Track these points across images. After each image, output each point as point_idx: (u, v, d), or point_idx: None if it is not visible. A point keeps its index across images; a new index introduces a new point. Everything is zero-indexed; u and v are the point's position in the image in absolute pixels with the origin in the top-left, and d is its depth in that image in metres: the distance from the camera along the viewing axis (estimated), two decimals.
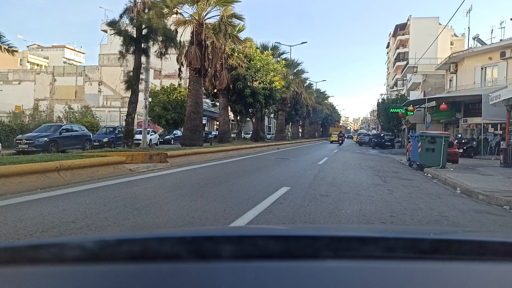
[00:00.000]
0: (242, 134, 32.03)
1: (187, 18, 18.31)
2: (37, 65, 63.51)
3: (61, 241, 0.95)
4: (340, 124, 74.15)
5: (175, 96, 30.28)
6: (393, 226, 4.38)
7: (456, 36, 62.84)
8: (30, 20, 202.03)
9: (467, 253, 0.83)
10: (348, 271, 0.72)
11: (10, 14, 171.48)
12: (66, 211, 4.60)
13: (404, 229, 2.12)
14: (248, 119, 31.58)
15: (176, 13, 17.96)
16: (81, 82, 43.88)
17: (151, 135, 23.85)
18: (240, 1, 18.36)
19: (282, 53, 34.03)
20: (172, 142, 28.09)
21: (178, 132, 29.40)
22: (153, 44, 14.62)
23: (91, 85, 43.57)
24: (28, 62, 63.09)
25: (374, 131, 62.06)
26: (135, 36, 14.06)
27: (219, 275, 0.69)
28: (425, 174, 11.88)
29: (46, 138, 17.14)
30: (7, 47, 11.47)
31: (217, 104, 26.58)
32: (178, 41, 16.68)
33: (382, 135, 38.62)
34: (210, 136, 30.41)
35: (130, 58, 14.62)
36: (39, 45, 75.69)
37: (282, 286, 0.65)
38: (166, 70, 41.47)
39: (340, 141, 40.03)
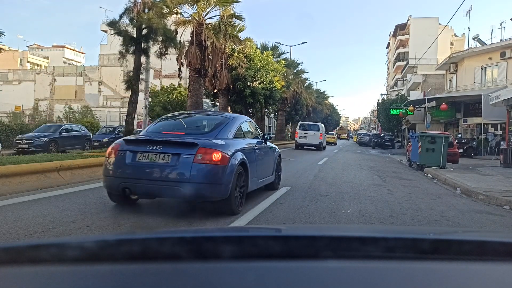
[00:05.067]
0: None
1: (187, 18, 18.30)
2: (37, 65, 63.53)
3: (61, 241, 0.95)
4: (344, 127, 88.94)
5: (175, 96, 30.24)
6: (393, 226, 4.38)
7: (456, 36, 62.83)
8: (32, 20, 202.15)
9: (467, 253, 0.83)
10: (348, 271, 0.72)
11: (13, 15, 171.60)
12: (66, 211, 4.60)
13: (404, 229, 2.12)
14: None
15: (176, 13, 17.96)
16: (81, 82, 43.88)
17: None
18: (240, 1, 18.30)
19: (282, 53, 33.99)
20: None
21: None
22: (153, 44, 14.61)
23: (91, 85, 43.57)
24: (28, 62, 63.12)
25: (374, 131, 62.11)
26: (135, 36, 14.05)
27: (219, 275, 0.69)
28: (425, 174, 11.88)
29: (46, 138, 17.15)
30: None
31: (217, 104, 26.58)
32: (178, 41, 16.67)
33: (382, 135, 38.62)
34: None
35: (130, 58, 14.61)
36: (39, 45, 75.69)
37: (282, 286, 0.65)
38: (166, 70, 41.44)
39: (347, 138, 67.31)
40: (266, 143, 6.54)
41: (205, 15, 18.17)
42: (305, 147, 24.06)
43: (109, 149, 4.89)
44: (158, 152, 4.48)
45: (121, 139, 5.02)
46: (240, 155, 4.96)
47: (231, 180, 4.62)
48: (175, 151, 4.50)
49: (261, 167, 5.95)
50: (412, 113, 30.62)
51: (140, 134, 5.65)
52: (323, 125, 26.94)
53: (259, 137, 6.45)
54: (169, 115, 6.71)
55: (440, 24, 53.02)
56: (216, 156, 4.50)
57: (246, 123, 6.13)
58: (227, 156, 4.63)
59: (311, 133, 23.95)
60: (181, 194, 4.49)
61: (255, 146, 5.85)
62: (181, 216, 4.62)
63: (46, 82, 44.50)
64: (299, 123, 27.25)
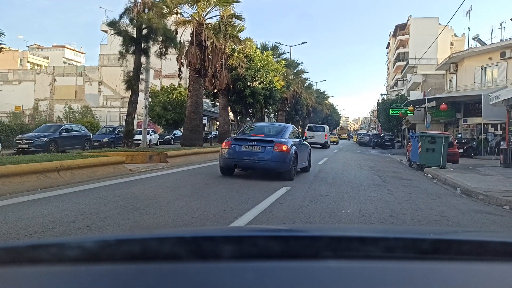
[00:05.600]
0: None
1: (187, 18, 18.30)
2: (37, 65, 63.50)
3: (61, 241, 0.95)
4: (344, 127, 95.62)
5: (175, 96, 30.28)
6: (393, 226, 4.38)
7: (456, 36, 62.82)
8: (32, 20, 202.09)
9: (467, 253, 0.83)
10: (348, 271, 0.72)
11: (13, 15, 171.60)
12: (66, 211, 4.60)
13: (404, 229, 2.12)
14: (248, 119, 31.58)
15: (176, 13, 17.95)
16: (81, 82, 43.89)
17: (151, 135, 23.85)
18: (240, 1, 18.31)
19: (282, 53, 34.00)
20: (172, 142, 28.09)
21: (178, 132, 29.41)
22: (153, 44, 14.62)
23: (91, 85, 43.57)
24: (28, 62, 63.08)
25: (374, 131, 62.09)
26: (135, 36, 14.06)
27: (219, 275, 0.69)
28: (425, 174, 11.87)
29: (46, 138, 17.14)
30: None
31: (217, 104, 26.57)
32: (178, 41, 16.68)
33: (382, 135, 38.62)
34: (210, 136, 30.42)
35: (130, 58, 14.63)
36: (39, 45, 75.66)
37: (282, 286, 0.65)
38: (166, 70, 41.46)
39: (348, 138, 69.58)
40: (304, 141, 10.06)
41: (205, 15, 18.17)
42: (312, 145, 27.03)
43: (224, 143, 8.62)
44: (254, 145, 8.16)
45: (230, 138, 9.41)
46: (294, 148, 8.47)
47: (291, 160, 8.18)
48: (262, 144, 8.12)
49: (302, 156, 9.28)
50: (412, 113, 30.59)
51: (237, 136, 9.47)
52: (327, 127, 31.36)
53: (300, 137, 10.11)
54: (252, 125, 11.41)
55: (440, 24, 53.03)
56: (284, 147, 8.07)
57: (293, 129, 9.77)
58: (289, 147, 8.18)
59: (317, 134, 27.62)
60: (266, 168, 8.19)
61: (299, 143, 9.25)
62: (181, 216, 4.62)
63: (46, 82, 44.50)
64: (308, 125, 31.32)
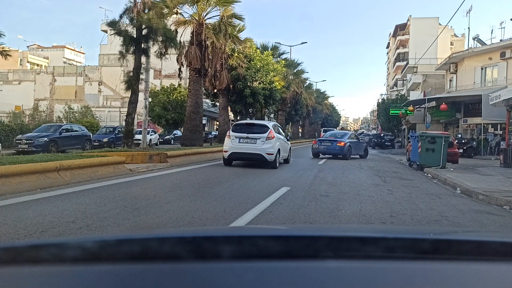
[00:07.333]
0: None
1: (187, 18, 18.30)
2: (37, 65, 63.50)
3: (61, 241, 0.95)
4: (344, 127, 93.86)
5: (175, 96, 30.29)
6: (393, 226, 4.38)
7: (456, 36, 62.84)
8: (32, 20, 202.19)
9: (467, 253, 0.82)
10: (348, 271, 0.72)
11: (13, 15, 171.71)
12: (66, 211, 4.60)
13: (404, 229, 2.12)
14: (248, 119, 31.57)
15: (176, 13, 17.95)
16: (81, 82, 43.89)
17: (151, 135, 23.84)
18: (240, 1, 18.31)
19: (282, 53, 33.99)
20: (172, 142, 28.09)
21: (178, 132, 29.41)
22: (153, 44, 14.61)
23: (91, 85, 43.58)
24: (28, 62, 63.09)
25: (374, 131, 62.02)
26: (135, 36, 14.06)
27: (219, 275, 0.69)
28: (425, 174, 11.87)
29: (46, 138, 17.14)
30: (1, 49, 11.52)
31: (217, 104, 26.58)
32: (178, 41, 16.68)
33: (382, 135, 38.61)
34: (210, 136, 30.42)
35: (130, 58, 14.62)
36: (39, 45, 75.68)
37: (282, 286, 0.65)
38: (166, 70, 41.47)
39: None
40: (359, 140, 19.54)
41: (205, 15, 18.17)
42: None
43: (314, 141, 18.16)
44: (328, 142, 17.15)
45: (316, 139, 20.45)
46: (348, 143, 17.03)
47: (346, 150, 16.72)
48: (333, 142, 16.98)
49: (356, 148, 18.00)
50: (412, 113, 30.59)
51: (320, 138, 19.18)
52: (336, 128, 41.39)
53: (357, 137, 19.89)
54: (329, 132, 21.57)
55: (440, 24, 53.04)
56: (342, 143, 16.79)
57: (351, 133, 19.98)
58: (345, 143, 16.83)
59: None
60: (334, 153, 16.84)
61: (354, 141, 18.21)
62: (181, 216, 4.62)
63: (46, 82, 44.50)
64: (323, 128, 41.48)
